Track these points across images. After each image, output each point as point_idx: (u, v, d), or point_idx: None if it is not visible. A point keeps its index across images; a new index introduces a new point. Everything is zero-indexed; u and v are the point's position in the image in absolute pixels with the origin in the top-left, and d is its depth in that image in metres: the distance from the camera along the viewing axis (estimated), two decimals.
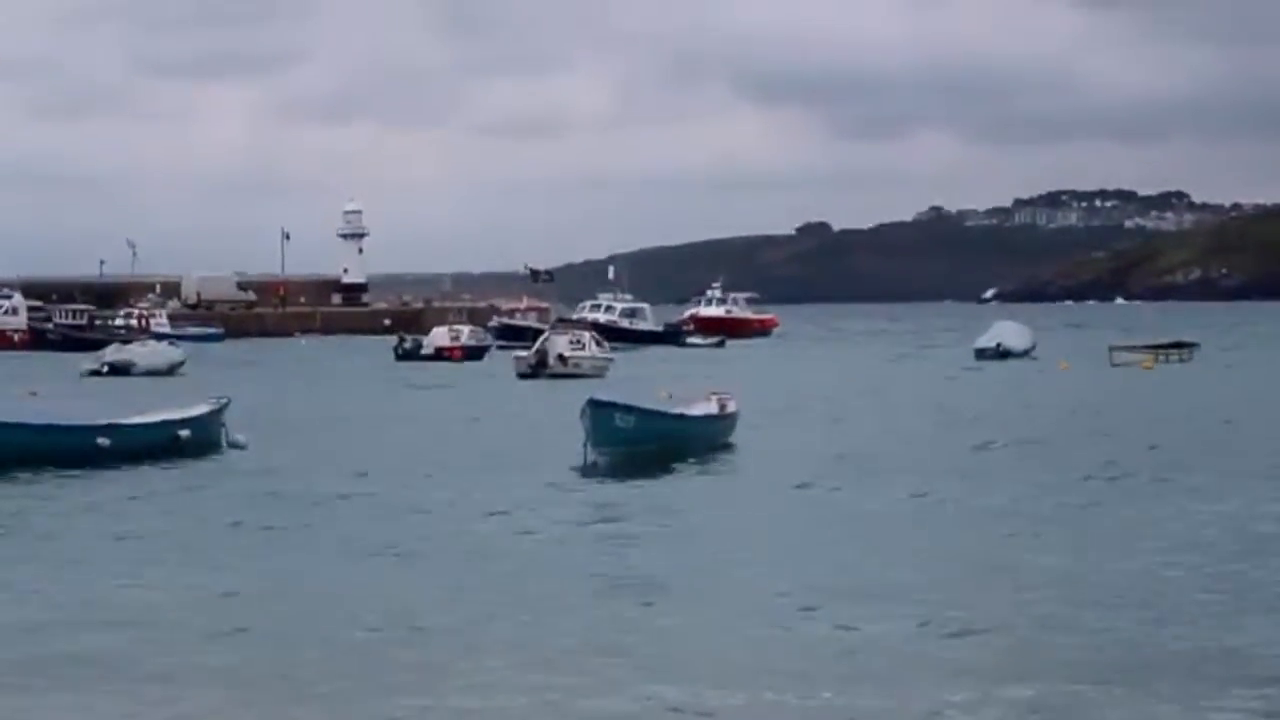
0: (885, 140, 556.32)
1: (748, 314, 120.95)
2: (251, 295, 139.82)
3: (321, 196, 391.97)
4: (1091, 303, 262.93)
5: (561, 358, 65.38)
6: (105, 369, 70.29)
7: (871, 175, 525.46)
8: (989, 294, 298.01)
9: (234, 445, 34.57)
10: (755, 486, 26.83)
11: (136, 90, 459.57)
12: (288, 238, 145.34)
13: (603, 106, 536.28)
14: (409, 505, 24.54)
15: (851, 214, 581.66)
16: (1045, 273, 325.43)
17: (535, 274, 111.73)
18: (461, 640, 14.97)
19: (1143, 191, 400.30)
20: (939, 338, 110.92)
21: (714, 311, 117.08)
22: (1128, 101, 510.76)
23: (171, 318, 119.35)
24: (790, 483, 26.60)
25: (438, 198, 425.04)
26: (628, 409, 29.35)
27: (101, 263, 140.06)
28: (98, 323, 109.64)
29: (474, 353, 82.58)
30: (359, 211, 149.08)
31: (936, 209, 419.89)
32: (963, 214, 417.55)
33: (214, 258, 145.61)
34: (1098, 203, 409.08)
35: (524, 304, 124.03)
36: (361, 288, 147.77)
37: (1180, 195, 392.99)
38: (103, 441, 31.53)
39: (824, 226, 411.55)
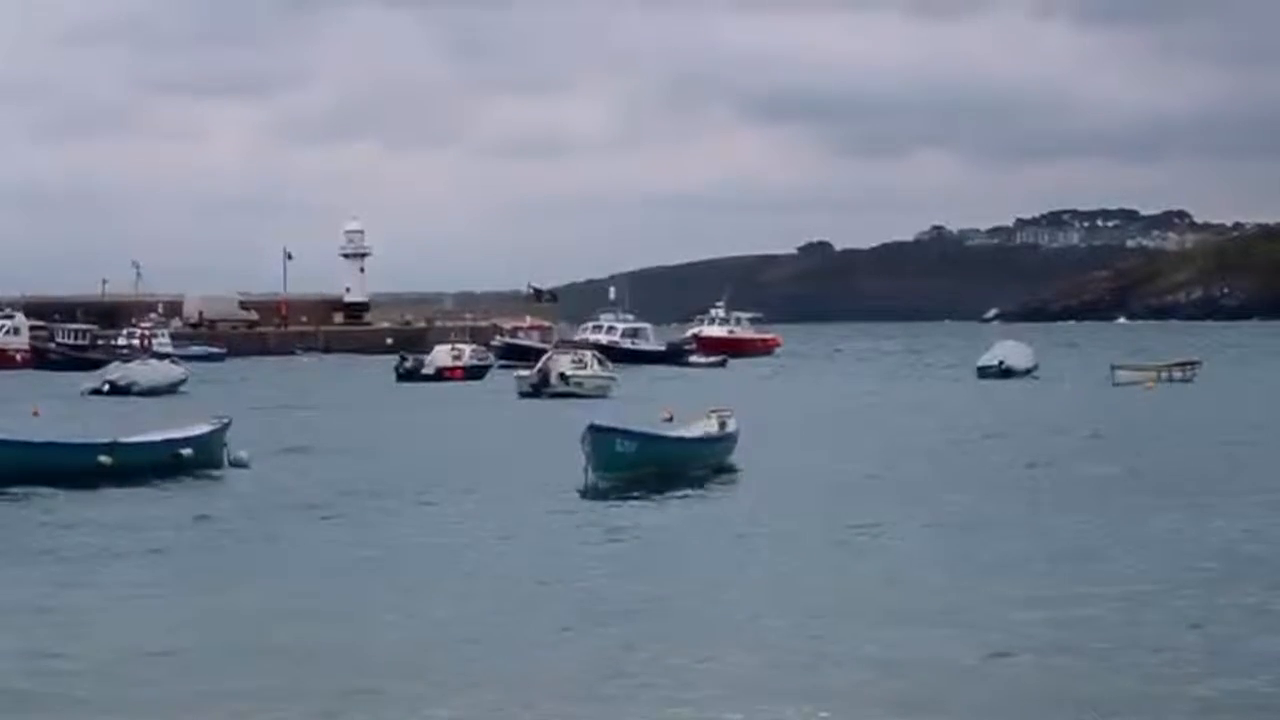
0: (887, 160, 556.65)
1: (750, 334, 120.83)
2: (254, 314, 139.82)
3: (324, 216, 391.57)
4: (1092, 322, 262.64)
5: (563, 377, 65.34)
6: (106, 387, 70.18)
7: (873, 195, 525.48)
8: (991, 313, 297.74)
9: (236, 463, 34.60)
10: (750, 511, 26.54)
11: (139, 110, 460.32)
12: (290, 257, 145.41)
13: (604, 127, 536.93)
14: (407, 529, 24.35)
15: (853, 233, 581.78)
16: (1047, 292, 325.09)
17: (539, 293, 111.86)
18: (460, 668, 14.89)
19: (1144, 211, 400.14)
20: (941, 357, 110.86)
21: (716, 331, 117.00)
22: (1129, 121, 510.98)
23: (174, 337, 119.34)
24: (787, 506, 26.44)
25: (440, 217, 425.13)
26: (628, 435, 29.53)
27: (104, 282, 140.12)
28: (100, 342, 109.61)
29: (476, 372, 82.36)
30: (361, 231, 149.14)
31: (938, 228, 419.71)
32: (964, 233, 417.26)
33: (216, 277, 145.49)
34: (1099, 222, 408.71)
35: (527, 323, 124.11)
36: (364, 307, 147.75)
37: (1182, 215, 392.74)
38: (104, 460, 31.53)
39: (826, 246, 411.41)
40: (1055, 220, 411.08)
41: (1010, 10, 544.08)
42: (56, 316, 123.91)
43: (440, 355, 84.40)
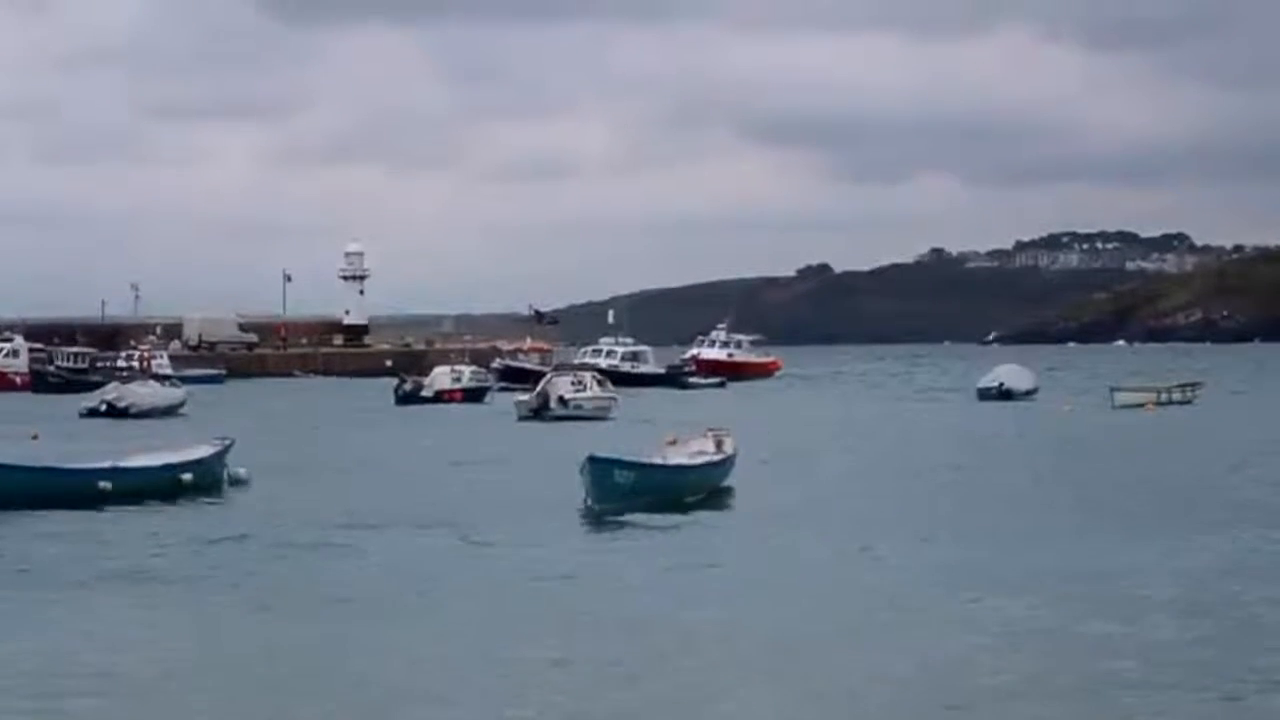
0: (887, 183, 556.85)
1: (750, 357, 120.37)
2: (253, 336, 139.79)
3: (323, 238, 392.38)
4: (1092, 344, 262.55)
5: (563, 400, 65.30)
6: (104, 407, 69.98)
7: (874, 217, 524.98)
8: (990, 335, 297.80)
9: (235, 480, 34.65)
10: (744, 540, 26.32)
11: (139, 133, 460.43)
12: (289, 279, 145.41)
13: (606, 150, 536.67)
14: (403, 554, 24.19)
15: (854, 256, 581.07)
16: (1047, 314, 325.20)
17: (539, 315, 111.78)
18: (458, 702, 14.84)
19: (1144, 233, 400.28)
20: (941, 379, 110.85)
21: (716, 354, 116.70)
22: (1128, 144, 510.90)
23: (173, 359, 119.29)
24: (783, 534, 26.28)
25: (440, 239, 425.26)
26: (627, 465, 29.73)
27: (103, 304, 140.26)
28: (99, 364, 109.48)
29: (475, 394, 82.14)
30: (361, 253, 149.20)
31: (938, 251, 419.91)
32: (964, 256, 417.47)
33: (216, 299, 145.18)
34: (1099, 245, 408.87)
35: (527, 345, 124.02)
36: (363, 329, 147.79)
37: (1181, 237, 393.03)
38: (104, 485, 31.46)
39: (826, 268, 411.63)
40: (1055, 243, 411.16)
41: (1010, 35, 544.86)
42: (55, 339, 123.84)
43: (439, 377, 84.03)
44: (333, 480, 37.43)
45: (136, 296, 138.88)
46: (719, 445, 34.11)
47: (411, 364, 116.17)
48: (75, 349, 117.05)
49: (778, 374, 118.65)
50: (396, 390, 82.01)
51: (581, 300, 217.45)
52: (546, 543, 25.29)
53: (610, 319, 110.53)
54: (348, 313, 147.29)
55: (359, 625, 18.48)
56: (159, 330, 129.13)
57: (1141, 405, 68.03)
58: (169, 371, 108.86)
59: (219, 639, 17.74)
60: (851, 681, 15.17)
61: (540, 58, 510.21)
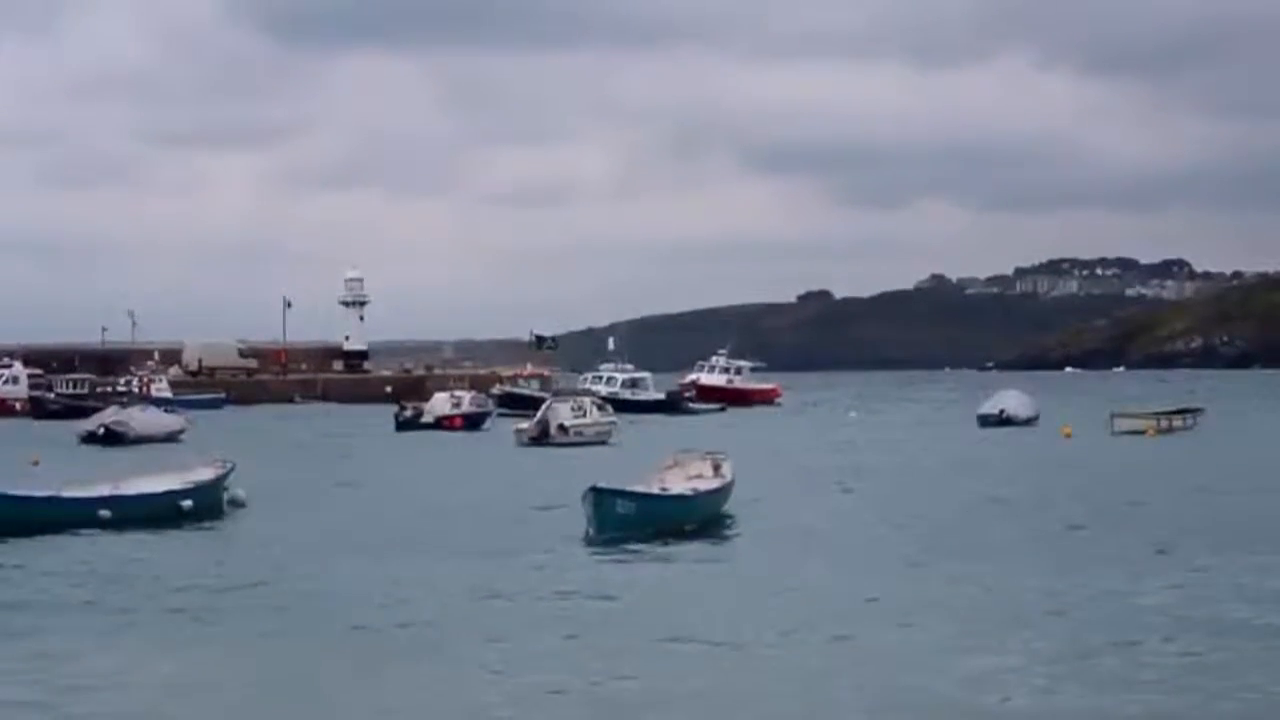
0: (887, 209, 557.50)
1: (750, 383, 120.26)
2: (253, 362, 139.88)
3: (323, 264, 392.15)
4: (1091, 371, 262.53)
5: (563, 428, 65.27)
6: (102, 431, 69.82)
7: (873, 244, 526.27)
8: (990, 362, 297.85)
9: (234, 502, 34.64)
10: (740, 571, 26.20)
11: (141, 160, 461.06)
12: (289, 305, 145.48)
13: (606, 176, 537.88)
14: (400, 586, 24.03)
15: (853, 282, 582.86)
16: (1046, 341, 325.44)
17: (540, 340, 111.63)
18: None
19: (1144, 260, 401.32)
20: (940, 405, 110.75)
21: (715, 380, 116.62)
22: (1129, 171, 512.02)
23: (173, 384, 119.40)
24: (779, 566, 26.18)
25: (440, 266, 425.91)
26: (628, 496, 29.91)
27: (104, 330, 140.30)
28: (99, 390, 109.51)
29: (475, 420, 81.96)
30: (360, 279, 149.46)
31: (938, 277, 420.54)
32: (964, 282, 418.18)
33: (216, 325, 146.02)
34: (1099, 271, 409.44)
35: (527, 371, 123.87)
36: (363, 355, 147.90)
37: (1181, 264, 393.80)
38: (104, 514, 31.42)
39: (825, 295, 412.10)
40: (1055, 269, 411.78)
41: (1011, 62, 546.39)
42: (55, 365, 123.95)
43: (439, 403, 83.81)
44: (332, 506, 37.32)
45: (133, 324, 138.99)
46: (716, 469, 34.48)
47: (411, 390, 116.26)
48: (75, 376, 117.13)
49: (777, 400, 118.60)
50: (397, 417, 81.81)
51: (581, 326, 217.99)
52: (549, 569, 25.23)
53: (610, 345, 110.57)
54: (348, 338, 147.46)
55: (366, 656, 18.43)
56: (157, 356, 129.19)
57: (1142, 431, 67.97)
58: (168, 395, 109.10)
59: (238, 672, 17.67)
60: None
61: (541, 84, 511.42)
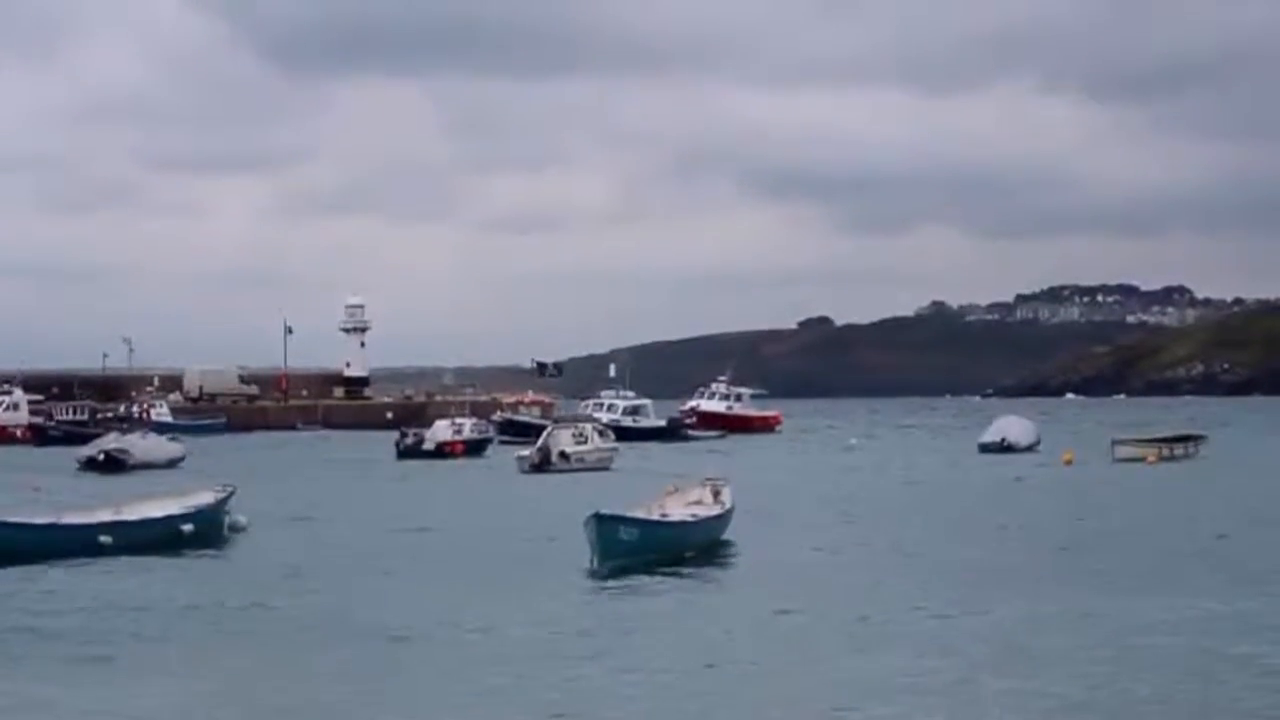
0: (887, 235, 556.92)
1: (750, 410, 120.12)
2: (254, 389, 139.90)
3: (324, 290, 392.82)
4: (1092, 398, 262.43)
5: (564, 454, 65.30)
6: (101, 457, 69.73)
7: (873, 270, 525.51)
8: (990, 390, 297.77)
9: (234, 528, 34.63)
10: (738, 602, 26.08)
11: (141, 186, 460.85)
12: (290, 331, 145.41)
13: (606, 202, 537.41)
14: (402, 612, 24.00)
15: (853, 309, 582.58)
16: (1047, 368, 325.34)
17: (542, 367, 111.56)
18: None
19: (1145, 286, 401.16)
20: (941, 432, 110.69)
21: (715, 406, 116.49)
22: (1129, 197, 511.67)
23: (174, 410, 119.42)
24: (777, 599, 26.09)
25: (441, 292, 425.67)
26: (630, 523, 30.02)
27: (104, 356, 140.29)
28: (100, 416, 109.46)
29: (476, 447, 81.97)
30: (361, 305, 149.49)
31: (938, 304, 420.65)
32: (964, 309, 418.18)
33: (217, 351, 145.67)
34: (1099, 298, 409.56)
35: (528, 398, 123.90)
36: (364, 381, 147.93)
37: (1182, 290, 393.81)
38: (104, 539, 31.41)
39: (826, 321, 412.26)
40: (1055, 296, 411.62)
41: (1010, 88, 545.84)
42: (55, 390, 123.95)
43: (441, 430, 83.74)
44: (334, 532, 37.28)
45: (130, 350, 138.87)
46: (716, 496, 34.77)
47: (412, 416, 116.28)
48: (75, 403, 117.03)
49: (778, 428, 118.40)
50: (398, 444, 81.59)
51: (582, 353, 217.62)
52: (553, 599, 25.18)
53: (611, 372, 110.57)
54: (348, 365, 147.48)
55: (365, 682, 18.41)
56: (156, 382, 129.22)
57: (1143, 459, 67.82)
58: (169, 420, 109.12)
59: (233, 700, 17.63)
60: None
61: (542, 110, 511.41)
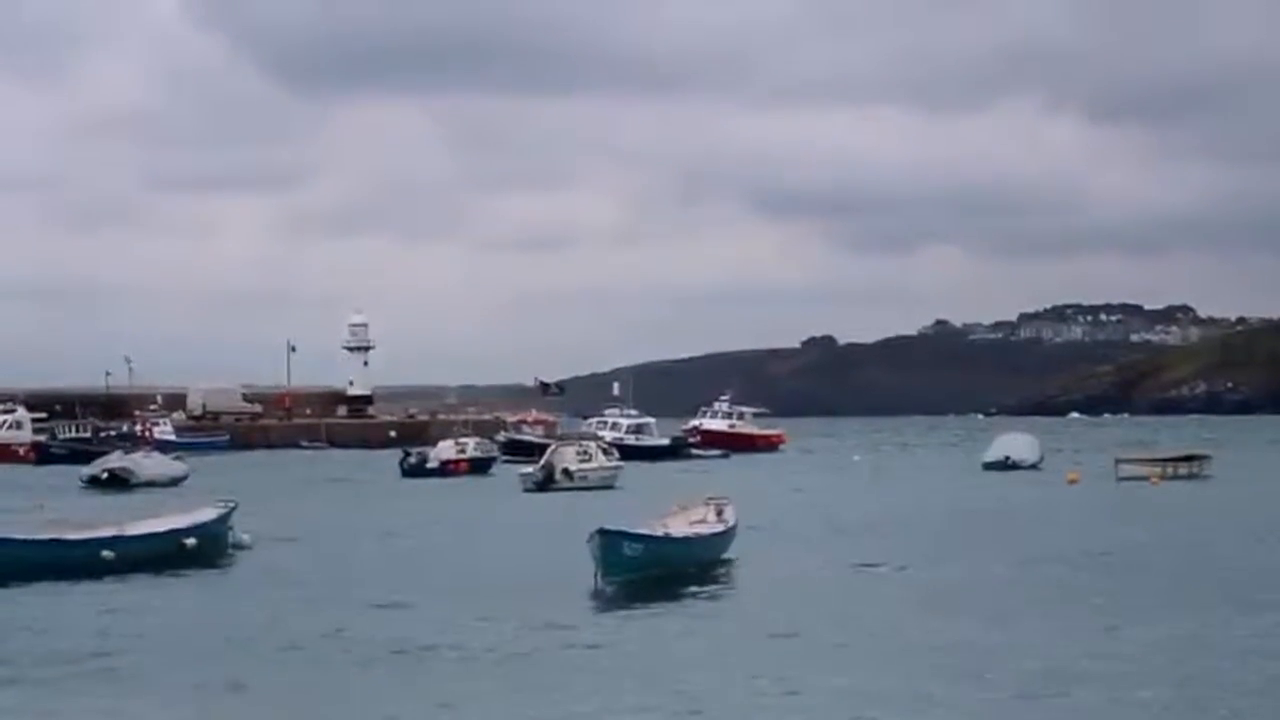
0: (890, 254, 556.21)
1: (753, 429, 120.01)
2: (257, 407, 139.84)
3: (327, 309, 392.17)
4: (1096, 416, 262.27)
5: (568, 472, 65.25)
6: (105, 475, 69.72)
7: (877, 289, 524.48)
8: (994, 408, 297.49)
9: (237, 545, 34.60)
10: (740, 623, 25.99)
11: (145, 204, 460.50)
12: (294, 350, 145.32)
13: (610, 221, 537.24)
14: (408, 629, 23.95)
15: (857, 328, 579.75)
16: (1050, 386, 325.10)
17: (545, 387, 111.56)
18: None
19: (1148, 305, 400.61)
20: (945, 450, 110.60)
21: (718, 425, 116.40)
22: (1133, 216, 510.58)
23: (177, 428, 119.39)
24: (776, 619, 26.00)
25: (445, 311, 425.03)
26: (634, 538, 29.99)
27: (107, 374, 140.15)
28: (103, 434, 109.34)
29: (480, 465, 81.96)
30: (365, 324, 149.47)
31: (942, 323, 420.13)
32: (968, 328, 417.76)
33: (220, 369, 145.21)
34: (1103, 316, 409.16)
35: (531, 417, 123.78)
36: (367, 400, 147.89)
37: (1186, 309, 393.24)
38: (107, 554, 31.38)
39: (829, 340, 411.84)
40: (1059, 315, 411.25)
41: (1014, 108, 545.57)
42: (58, 409, 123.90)
43: (444, 449, 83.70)
44: (340, 551, 37.24)
45: (130, 369, 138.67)
46: (719, 514, 34.83)
47: (415, 435, 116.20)
48: (78, 421, 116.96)
49: (781, 446, 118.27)
50: (402, 463, 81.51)
51: (585, 371, 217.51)
52: (562, 616, 25.13)
53: (615, 390, 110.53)
54: (352, 383, 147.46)
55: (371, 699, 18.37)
56: (159, 400, 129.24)
57: (1146, 478, 67.72)
58: (172, 438, 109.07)
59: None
60: None
61: (546, 129, 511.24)
